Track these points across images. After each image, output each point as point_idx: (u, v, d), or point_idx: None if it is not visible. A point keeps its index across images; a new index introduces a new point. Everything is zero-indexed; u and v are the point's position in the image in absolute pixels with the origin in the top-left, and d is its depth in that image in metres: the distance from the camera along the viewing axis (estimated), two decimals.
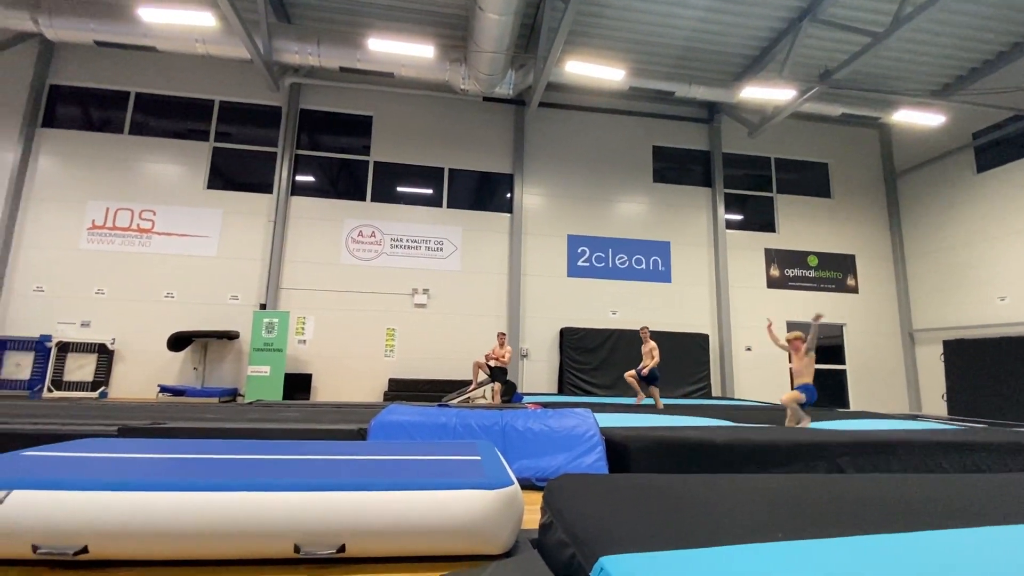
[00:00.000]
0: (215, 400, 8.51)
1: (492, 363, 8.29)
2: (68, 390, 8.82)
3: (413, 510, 1.81)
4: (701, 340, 10.83)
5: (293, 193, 10.26)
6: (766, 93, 9.70)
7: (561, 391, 10.19)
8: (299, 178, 10.41)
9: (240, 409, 5.21)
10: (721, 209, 11.61)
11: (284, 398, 8.87)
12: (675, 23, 9.41)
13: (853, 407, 11.15)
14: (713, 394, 10.71)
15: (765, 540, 1.53)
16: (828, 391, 10.76)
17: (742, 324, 11.20)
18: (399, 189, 10.71)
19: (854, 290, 11.95)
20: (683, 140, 11.96)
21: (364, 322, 10.04)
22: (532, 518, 2.21)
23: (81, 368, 9.00)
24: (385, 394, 9.60)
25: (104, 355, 9.08)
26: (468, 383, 8.88)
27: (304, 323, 9.85)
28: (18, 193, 9.33)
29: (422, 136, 10.87)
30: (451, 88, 9.68)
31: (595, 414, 4.14)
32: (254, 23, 8.37)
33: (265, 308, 9.54)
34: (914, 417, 7.92)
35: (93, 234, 9.51)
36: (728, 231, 11.62)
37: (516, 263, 10.58)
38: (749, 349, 11.18)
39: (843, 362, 11.56)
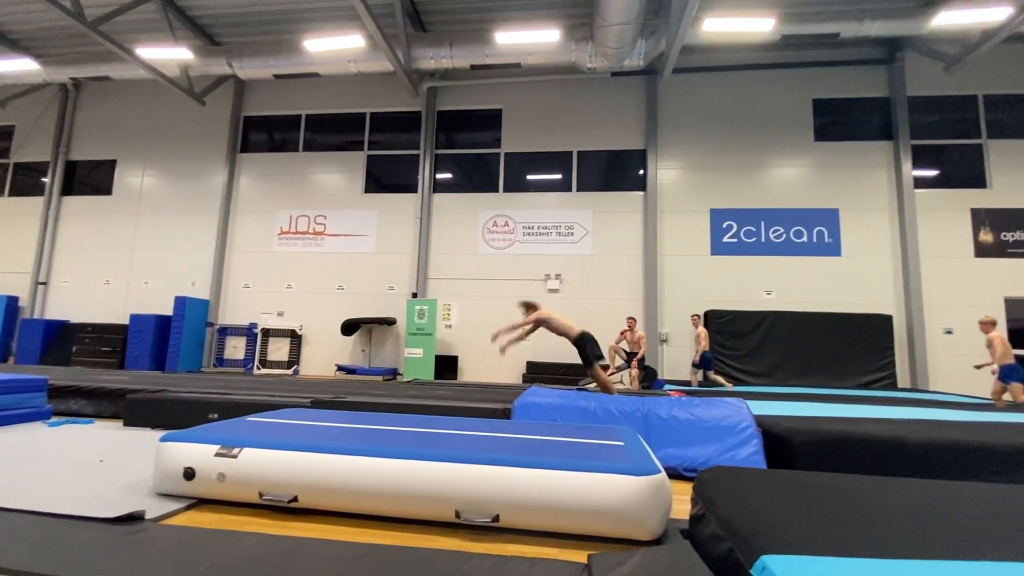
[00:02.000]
0: (380, 379, 9.67)
1: (627, 348, 8.10)
2: (271, 368, 10.77)
3: (562, 489, 1.87)
4: (881, 322, 9.26)
5: (435, 191, 11.08)
6: (970, 16, 7.80)
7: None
8: (439, 176, 11.20)
9: (401, 387, 5.85)
10: (908, 165, 9.68)
11: (435, 378, 9.76)
12: None
13: None
14: (899, 385, 9.12)
15: (969, 558, 1.26)
16: None
17: (939, 302, 9.31)
18: (529, 177, 10.92)
19: None
20: (852, 88, 10.20)
21: (502, 308, 10.46)
22: (680, 508, 2.21)
23: (279, 350, 10.91)
24: (523, 376, 9.97)
25: (295, 339, 10.90)
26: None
27: (450, 310, 10.65)
28: (228, 208, 11.58)
29: (550, 122, 10.90)
30: (578, 68, 9.52)
31: (749, 403, 3.80)
32: (395, 37, 9.17)
33: (416, 296, 10.53)
34: None
35: (282, 239, 11.40)
36: (918, 190, 9.66)
37: (651, 243, 10.12)
38: (950, 332, 9.25)
39: None
